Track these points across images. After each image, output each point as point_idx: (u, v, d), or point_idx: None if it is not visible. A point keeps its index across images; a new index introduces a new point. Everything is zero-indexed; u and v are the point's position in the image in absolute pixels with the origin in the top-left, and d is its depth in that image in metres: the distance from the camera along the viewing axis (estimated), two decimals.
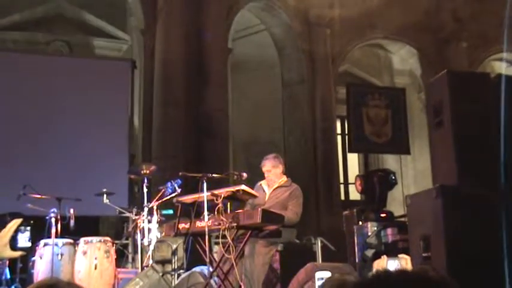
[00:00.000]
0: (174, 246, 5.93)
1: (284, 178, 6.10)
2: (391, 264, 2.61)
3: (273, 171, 6.04)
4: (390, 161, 14.24)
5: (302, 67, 12.47)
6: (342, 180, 13.30)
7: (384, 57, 15.08)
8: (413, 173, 14.34)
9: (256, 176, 6.25)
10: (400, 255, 2.67)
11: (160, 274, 4.96)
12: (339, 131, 13.89)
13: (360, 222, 6.55)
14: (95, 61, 11.21)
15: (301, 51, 12.51)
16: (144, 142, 10.65)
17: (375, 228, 6.25)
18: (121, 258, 6.96)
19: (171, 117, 10.25)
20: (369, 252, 6.17)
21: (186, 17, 10.74)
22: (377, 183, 6.62)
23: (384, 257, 2.64)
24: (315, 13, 12.52)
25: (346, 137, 12.92)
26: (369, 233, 6.23)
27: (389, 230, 6.12)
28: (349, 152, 13.38)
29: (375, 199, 6.61)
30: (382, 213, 6.45)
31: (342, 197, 13.16)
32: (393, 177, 6.77)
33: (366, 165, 14.60)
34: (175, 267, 5.86)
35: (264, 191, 6.03)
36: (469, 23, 13.64)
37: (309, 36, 12.55)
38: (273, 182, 6.03)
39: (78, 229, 6.22)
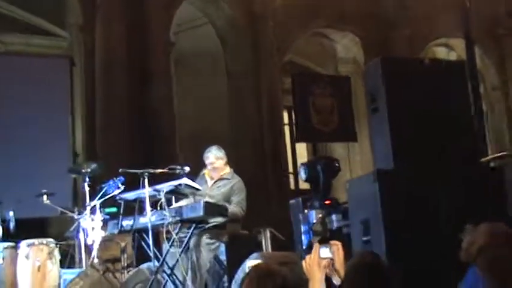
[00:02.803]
0: (123, 244, 5.87)
1: (227, 169, 6.09)
2: (324, 251, 2.62)
3: (217, 163, 6.03)
4: (338, 149, 14.38)
5: (246, 59, 12.43)
6: (291, 170, 13.38)
7: (328, 46, 15.15)
8: (360, 160, 14.51)
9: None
10: (332, 242, 2.68)
11: (101, 272, 4.89)
12: (286, 121, 13.95)
13: (306, 211, 6.58)
14: (31, 59, 10.95)
15: (245, 42, 12.48)
16: (88, 140, 10.44)
17: (320, 216, 6.30)
18: (67, 259, 6.86)
19: (115, 114, 10.08)
20: (315, 240, 6.22)
21: (126, 12, 10.56)
22: (321, 170, 6.65)
23: (316, 245, 2.65)
24: (258, 4, 12.49)
25: (294, 126, 12.99)
26: (314, 221, 6.28)
27: (333, 217, 6.17)
28: (297, 141, 13.47)
29: (319, 187, 6.65)
30: (327, 200, 6.49)
31: (292, 187, 13.25)
32: (337, 164, 6.81)
33: (314, 154, 14.70)
34: (125, 265, 5.81)
35: (206, 182, 6.01)
36: (411, 10, 13.76)
37: (253, 28, 12.50)
38: (216, 174, 6.02)
39: (23, 231, 6.09)
